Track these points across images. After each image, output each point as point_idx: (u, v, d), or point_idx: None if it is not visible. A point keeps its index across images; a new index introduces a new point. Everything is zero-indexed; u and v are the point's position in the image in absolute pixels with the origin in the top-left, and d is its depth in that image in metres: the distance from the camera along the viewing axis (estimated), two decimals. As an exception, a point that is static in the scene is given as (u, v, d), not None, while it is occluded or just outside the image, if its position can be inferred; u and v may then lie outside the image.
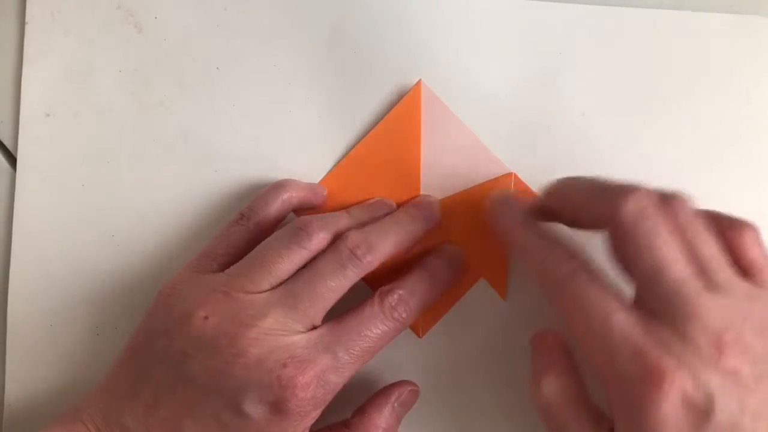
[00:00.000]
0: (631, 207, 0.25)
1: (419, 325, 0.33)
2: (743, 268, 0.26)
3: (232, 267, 0.29)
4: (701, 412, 0.23)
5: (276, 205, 0.31)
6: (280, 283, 0.28)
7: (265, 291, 0.28)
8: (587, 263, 0.27)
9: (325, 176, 0.33)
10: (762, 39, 0.34)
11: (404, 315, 0.29)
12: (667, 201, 0.26)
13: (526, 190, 0.33)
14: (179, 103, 0.33)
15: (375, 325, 0.28)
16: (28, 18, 0.33)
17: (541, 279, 0.28)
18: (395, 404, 0.30)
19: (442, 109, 0.33)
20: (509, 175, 0.33)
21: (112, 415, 0.28)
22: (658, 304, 0.25)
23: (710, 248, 0.26)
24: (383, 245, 0.29)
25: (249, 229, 0.30)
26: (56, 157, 0.33)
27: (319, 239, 0.29)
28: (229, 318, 0.27)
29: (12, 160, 0.33)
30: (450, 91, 0.33)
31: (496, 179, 0.33)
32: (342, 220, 0.30)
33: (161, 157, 0.33)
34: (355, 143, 0.33)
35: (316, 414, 0.28)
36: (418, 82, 0.33)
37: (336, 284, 0.28)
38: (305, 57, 0.33)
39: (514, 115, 0.33)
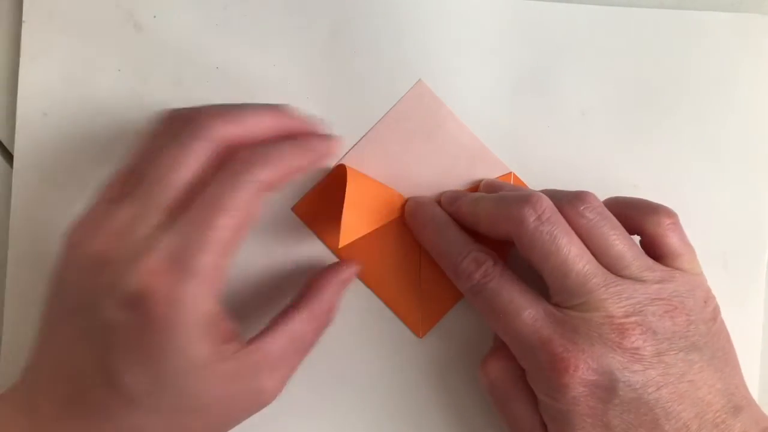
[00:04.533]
0: (528, 215, 0.27)
1: (419, 325, 0.33)
2: (662, 253, 0.29)
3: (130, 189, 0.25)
4: (607, 390, 0.26)
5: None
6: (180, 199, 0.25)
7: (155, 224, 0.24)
8: (496, 266, 0.29)
9: (325, 176, 0.33)
10: (763, 37, 0.34)
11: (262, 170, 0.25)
12: (571, 202, 0.28)
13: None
14: (179, 103, 0.32)
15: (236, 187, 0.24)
16: (24, 17, 0.32)
17: (457, 285, 0.30)
18: (340, 281, 0.29)
19: (442, 109, 0.33)
20: (509, 175, 0.33)
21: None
22: (567, 296, 0.27)
23: (620, 243, 0.28)
24: (279, 160, 0.26)
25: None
26: (55, 158, 0.32)
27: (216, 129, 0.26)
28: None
29: (10, 159, 0.33)
30: (450, 91, 0.33)
31: (495, 179, 0.33)
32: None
33: (161, 158, 0.33)
34: (355, 143, 0.33)
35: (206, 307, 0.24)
36: (418, 82, 0.33)
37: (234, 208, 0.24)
38: (305, 57, 0.33)
39: (513, 114, 0.33)
